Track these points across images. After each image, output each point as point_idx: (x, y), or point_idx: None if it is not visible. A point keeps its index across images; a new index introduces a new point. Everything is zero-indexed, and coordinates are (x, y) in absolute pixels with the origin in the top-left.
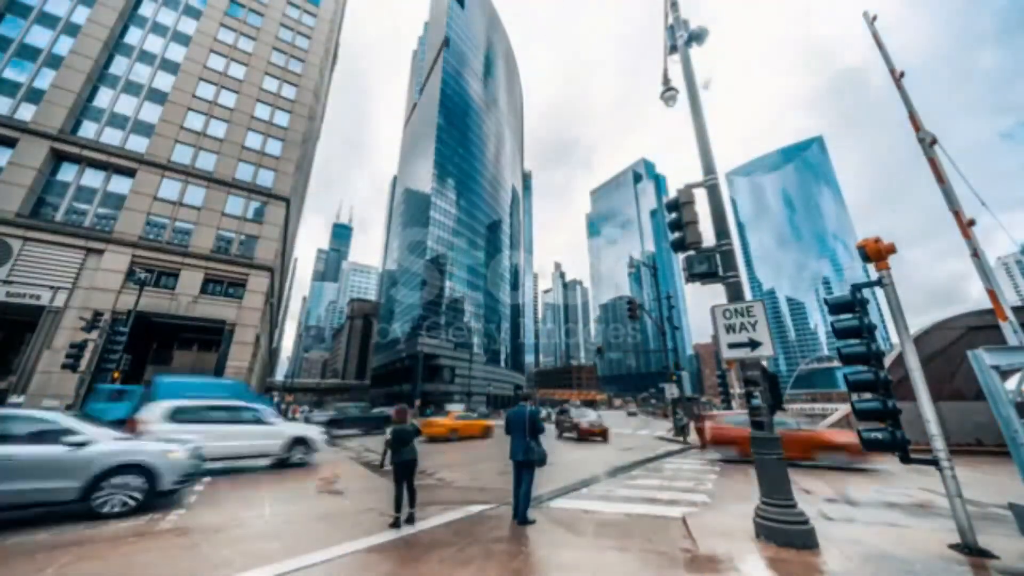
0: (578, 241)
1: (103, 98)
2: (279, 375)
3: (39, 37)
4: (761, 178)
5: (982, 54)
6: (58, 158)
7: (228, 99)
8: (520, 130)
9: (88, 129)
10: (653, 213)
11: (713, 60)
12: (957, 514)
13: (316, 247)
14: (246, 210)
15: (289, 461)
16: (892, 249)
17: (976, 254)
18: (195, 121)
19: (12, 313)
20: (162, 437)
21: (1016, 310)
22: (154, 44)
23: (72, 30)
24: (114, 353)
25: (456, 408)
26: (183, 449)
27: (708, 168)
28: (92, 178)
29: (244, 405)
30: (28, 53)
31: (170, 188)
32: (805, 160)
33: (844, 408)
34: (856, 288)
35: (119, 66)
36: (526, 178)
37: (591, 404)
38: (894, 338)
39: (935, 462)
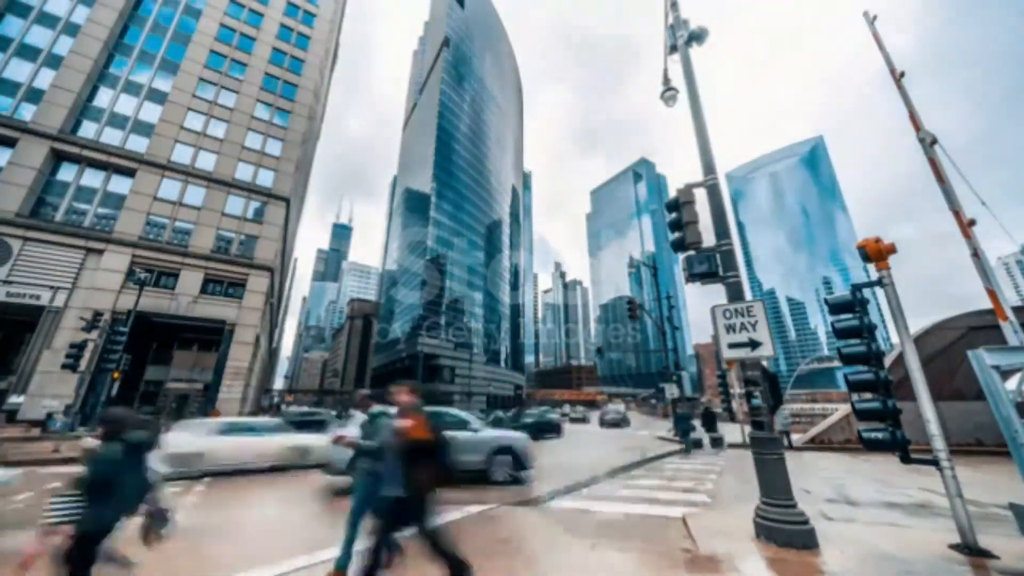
0: (578, 241)
1: (103, 98)
2: (279, 375)
3: (39, 37)
4: (761, 178)
5: None
6: (58, 158)
7: (228, 99)
8: (520, 130)
9: (88, 129)
10: (653, 213)
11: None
12: (957, 514)
13: (316, 247)
14: (246, 210)
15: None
16: (892, 249)
17: (976, 254)
18: (195, 121)
19: (12, 313)
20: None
21: (1016, 310)
22: (154, 44)
23: (72, 30)
24: (114, 353)
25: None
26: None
27: (708, 168)
28: (92, 178)
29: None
30: (28, 53)
31: (170, 188)
32: (805, 160)
33: (844, 408)
34: (856, 288)
35: (119, 66)
36: (526, 178)
37: (591, 404)
38: (894, 338)
39: (935, 462)
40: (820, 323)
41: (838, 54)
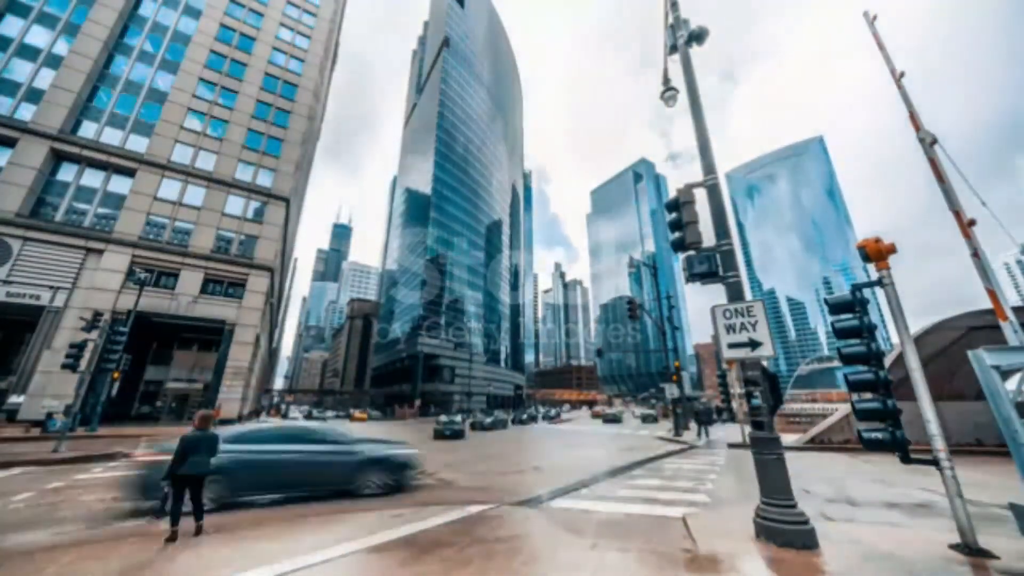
0: (578, 241)
1: (103, 98)
2: (279, 375)
3: (39, 37)
4: (762, 178)
5: None
6: (58, 158)
7: (228, 99)
8: (520, 129)
9: (88, 129)
10: (653, 213)
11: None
12: (957, 514)
13: (316, 247)
14: (246, 210)
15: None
16: (892, 249)
17: (976, 254)
18: (195, 121)
19: (12, 313)
20: None
21: (1016, 310)
22: (154, 44)
23: (72, 30)
24: (114, 353)
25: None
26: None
27: (708, 168)
28: (92, 178)
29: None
30: (28, 53)
31: (170, 188)
32: (805, 160)
33: (844, 408)
34: (856, 288)
35: (119, 66)
36: (526, 178)
37: (591, 404)
38: (894, 338)
39: (935, 462)
40: (820, 323)
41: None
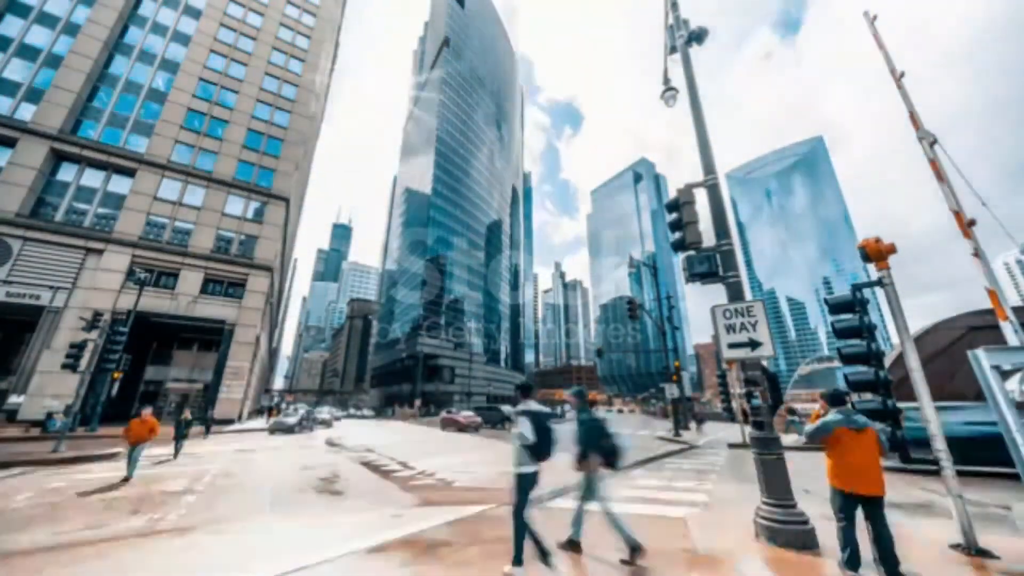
0: (578, 241)
1: (103, 98)
2: (279, 375)
3: (39, 37)
4: (762, 178)
5: None
6: (58, 158)
7: (228, 99)
8: (520, 129)
9: (88, 129)
10: (653, 213)
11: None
12: (958, 514)
13: (316, 247)
14: (246, 210)
15: None
16: (892, 249)
17: (976, 254)
18: (195, 121)
19: (12, 313)
20: None
21: (1016, 310)
22: (154, 44)
23: (72, 30)
24: (114, 353)
25: None
26: None
27: (708, 168)
28: (92, 178)
29: None
30: (28, 53)
31: (170, 188)
32: (806, 160)
33: None
34: (856, 288)
35: (119, 66)
36: (526, 178)
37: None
38: (894, 338)
39: (935, 462)
40: (820, 323)
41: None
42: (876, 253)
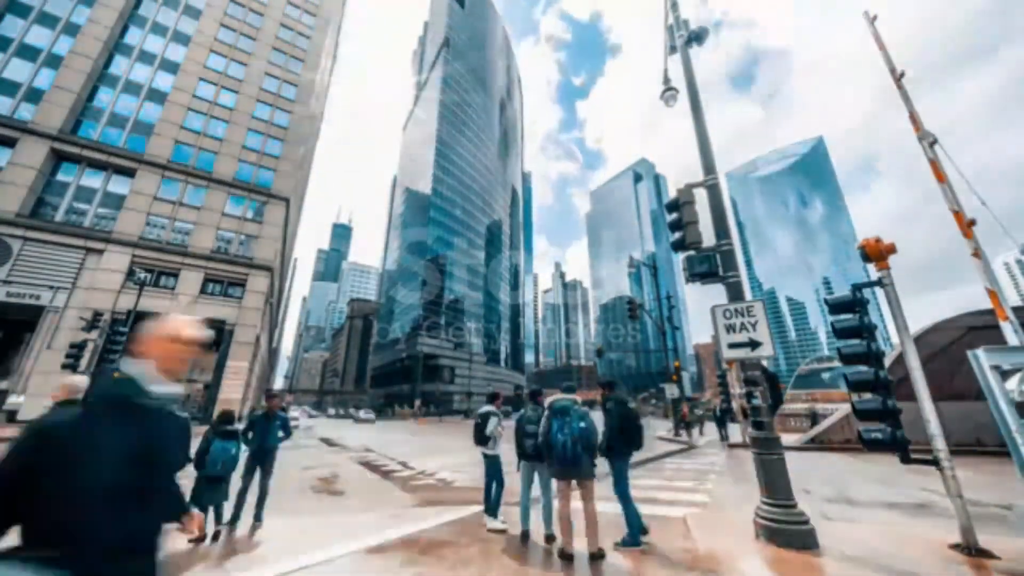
0: (578, 241)
1: (103, 98)
2: (279, 375)
3: (39, 37)
4: (762, 178)
5: None
6: (58, 158)
7: (228, 99)
8: (520, 129)
9: (88, 129)
10: (653, 213)
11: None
12: (958, 514)
13: (316, 247)
14: (246, 210)
15: None
16: (892, 249)
17: (976, 254)
18: (195, 121)
19: (12, 313)
20: None
21: (1016, 310)
22: (154, 44)
23: (72, 30)
24: (114, 353)
25: None
26: None
27: (708, 168)
28: (92, 178)
29: None
30: (28, 53)
31: (170, 188)
32: (806, 160)
33: (844, 408)
34: (856, 288)
35: (119, 66)
36: (526, 178)
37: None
38: (894, 338)
39: (935, 462)
40: (820, 323)
41: (839, 54)
42: (876, 253)
